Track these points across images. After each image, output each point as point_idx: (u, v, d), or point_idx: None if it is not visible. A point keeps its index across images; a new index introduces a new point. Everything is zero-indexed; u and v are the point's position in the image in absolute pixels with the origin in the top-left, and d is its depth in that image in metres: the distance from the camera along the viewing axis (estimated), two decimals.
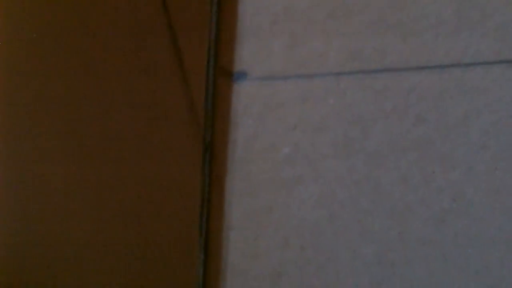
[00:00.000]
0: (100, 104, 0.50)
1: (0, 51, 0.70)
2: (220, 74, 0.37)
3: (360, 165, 0.40)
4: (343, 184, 0.40)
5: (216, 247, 0.39)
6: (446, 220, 0.44)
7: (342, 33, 0.37)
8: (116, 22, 0.47)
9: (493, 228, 0.45)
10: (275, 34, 0.35)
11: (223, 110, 0.37)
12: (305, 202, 0.39)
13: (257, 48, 0.35)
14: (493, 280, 0.47)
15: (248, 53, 0.35)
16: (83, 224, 0.56)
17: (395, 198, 0.42)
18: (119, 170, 0.48)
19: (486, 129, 0.43)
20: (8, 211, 0.79)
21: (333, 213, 0.40)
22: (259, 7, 0.35)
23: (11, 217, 0.78)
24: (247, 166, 0.37)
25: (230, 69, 0.36)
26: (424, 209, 0.43)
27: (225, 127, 0.37)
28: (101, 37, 0.48)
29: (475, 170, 0.44)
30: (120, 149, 0.48)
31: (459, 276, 0.46)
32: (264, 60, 0.36)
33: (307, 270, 0.41)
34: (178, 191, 0.42)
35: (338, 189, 0.40)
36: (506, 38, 0.41)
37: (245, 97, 0.36)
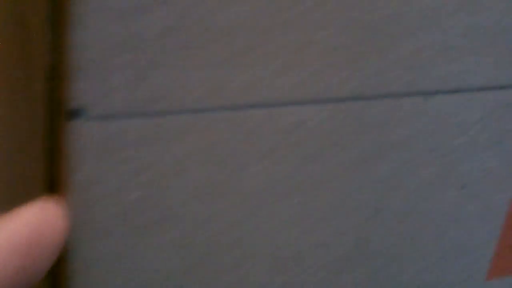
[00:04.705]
0: None
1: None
2: (57, 111, 0.33)
3: (232, 211, 0.35)
4: (207, 230, 0.35)
5: None
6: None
7: (201, 65, 0.32)
8: None
9: None
10: (118, 66, 0.31)
11: (64, 151, 0.33)
12: (163, 248, 0.35)
13: (97, 82, 0.31)
14: None
15: (88, 88, 0.31)
16: None
17: (276, 246, 0.37)
18: None
19: (395, 168, 0.37)
20: None
21: (195, 262, 0.36)
22: (100, 36, 0.30)
23: None
24: (91, 210, 0.33)
25: (66, 106, 0.32)
26: (314, 260, 0.38)
27: (66, 169, 0.33)
28: None
29: (382, 214, 0.38)
30: None
31: None
32: (104, 96, 0.31)
33: None
34: None
35: (199, 235, 0.35)
36: (417, 67, 0.35)
37: (83, 138, 0.32)
